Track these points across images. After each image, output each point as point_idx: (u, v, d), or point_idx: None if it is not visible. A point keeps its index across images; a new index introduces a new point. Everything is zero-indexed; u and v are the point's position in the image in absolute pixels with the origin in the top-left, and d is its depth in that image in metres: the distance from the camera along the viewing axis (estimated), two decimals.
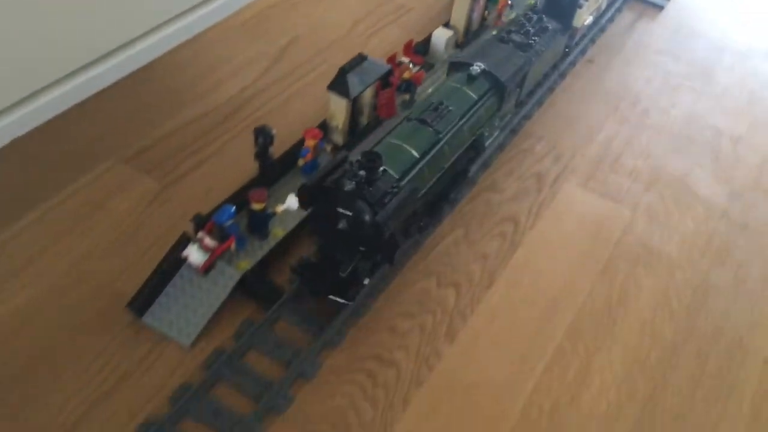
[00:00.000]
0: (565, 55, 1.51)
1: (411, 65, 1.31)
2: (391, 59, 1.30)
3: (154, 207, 1.14)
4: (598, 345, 1.07)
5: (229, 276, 0.98)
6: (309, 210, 0.95)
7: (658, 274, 1.18)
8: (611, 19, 1.75)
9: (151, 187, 1.16)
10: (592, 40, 1.66)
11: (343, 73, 1.14)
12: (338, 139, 1.20)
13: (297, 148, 1.16)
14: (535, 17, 1.33)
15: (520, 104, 1.35)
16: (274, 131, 1.05)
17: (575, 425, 0.96)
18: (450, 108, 1.07)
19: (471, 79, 1.13)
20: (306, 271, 0.99)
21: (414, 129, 1.04)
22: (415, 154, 1.00)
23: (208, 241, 0.95)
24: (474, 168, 1.23)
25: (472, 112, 1.11)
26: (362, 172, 0.90)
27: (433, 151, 1.03)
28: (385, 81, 1.24)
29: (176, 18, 1.32)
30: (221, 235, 0.98)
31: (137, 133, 1.25)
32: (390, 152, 0.98)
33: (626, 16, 1.80)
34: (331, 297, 0.97)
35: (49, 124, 1.19)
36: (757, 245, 1.26)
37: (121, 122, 1.26)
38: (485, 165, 1.30)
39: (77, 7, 1.12)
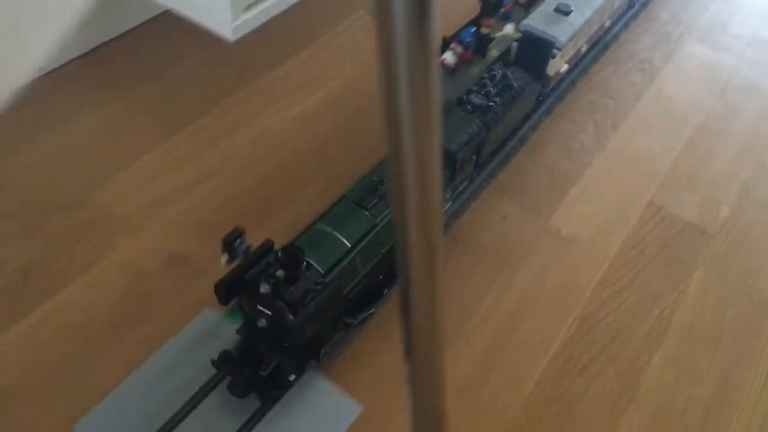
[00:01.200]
0: (539, 103, 1.42)
1: None
2: None
3: None
4: (713, 149, 1.50)
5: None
6: (229, 306, 0.86)
7: (762, 98, 1.61)
8: None
9: None
10: None
11: None
12: None
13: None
14: (499, 74, 1.24)
15: (481, 166, 1.24)
16: None
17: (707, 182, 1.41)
18: None
19: None
20: (227, 367, 0.90)
21: (348, 213, 0.93)
22: (347, 243, 0.90)
23: (459, 49, 1.40)
24: None
25: None
26: (280, 272, 0.81)
27: (367, 239, 0.92)
28: None
29: None
30: (463, 49, 1.43)
31: None
32: (318, 241, 0.89)
33: None
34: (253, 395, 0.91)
35: None
36: None
37: None
38: (627, 24, 1.71)
39: None
